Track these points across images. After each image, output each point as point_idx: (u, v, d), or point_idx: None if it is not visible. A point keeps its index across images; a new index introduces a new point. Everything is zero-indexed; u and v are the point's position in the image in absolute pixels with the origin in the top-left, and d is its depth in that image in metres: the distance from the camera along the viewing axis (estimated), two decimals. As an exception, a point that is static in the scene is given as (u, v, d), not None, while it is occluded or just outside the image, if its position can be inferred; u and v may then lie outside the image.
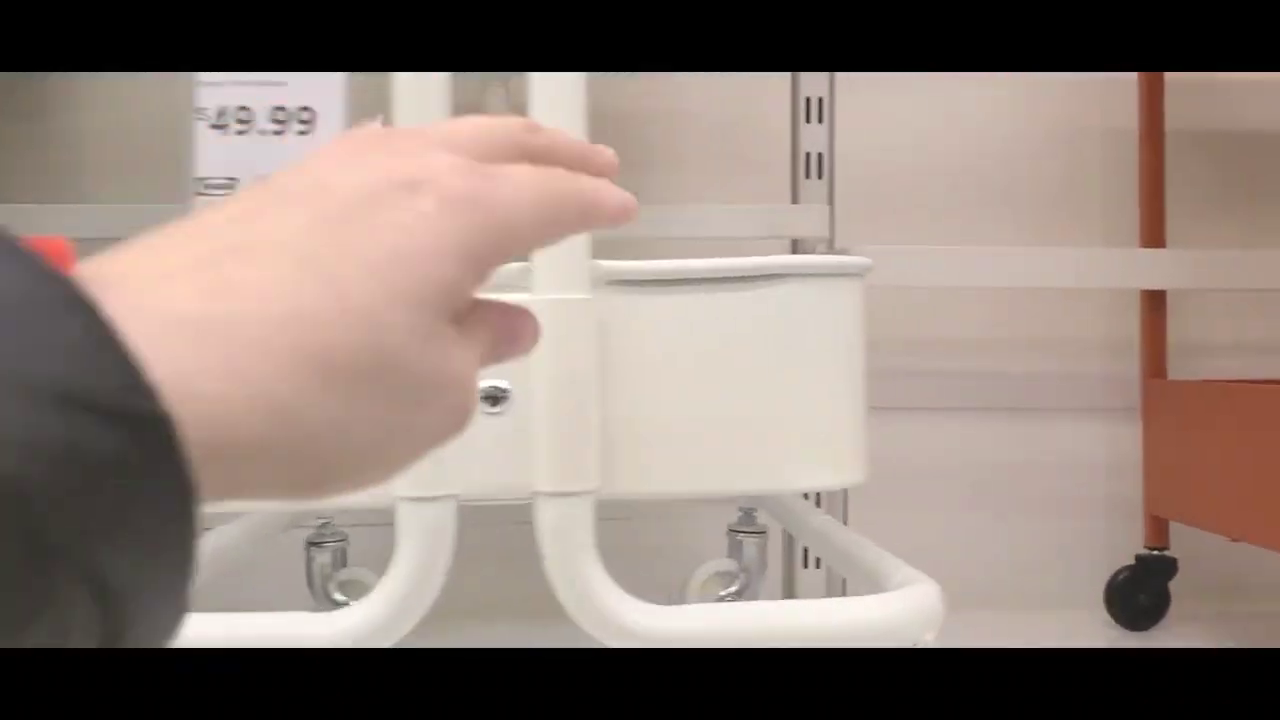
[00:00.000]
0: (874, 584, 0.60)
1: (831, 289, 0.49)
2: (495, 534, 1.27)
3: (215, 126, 0.55)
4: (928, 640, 0.49)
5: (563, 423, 0.48)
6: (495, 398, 0.48)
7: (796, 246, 1.31)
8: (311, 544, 1.09)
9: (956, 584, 1.35)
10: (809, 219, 1.23)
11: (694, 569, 1.15)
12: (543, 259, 0.49)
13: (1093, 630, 1.18)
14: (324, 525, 1.10)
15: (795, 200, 1.30)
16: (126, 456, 0.20)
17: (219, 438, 0.22)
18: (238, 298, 0.24)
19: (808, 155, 1.30)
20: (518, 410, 0.47)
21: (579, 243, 0.50)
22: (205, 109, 0.55)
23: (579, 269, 0.50)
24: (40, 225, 1.14)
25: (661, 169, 1.30)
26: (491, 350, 0.32)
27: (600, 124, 1.26)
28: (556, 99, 0.51)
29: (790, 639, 0.49)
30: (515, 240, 0.30)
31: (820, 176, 1.30)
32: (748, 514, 1.09)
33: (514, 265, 0.51)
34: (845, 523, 1.32)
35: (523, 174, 0.31)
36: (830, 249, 1.28)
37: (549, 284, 0.50)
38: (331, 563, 1.09)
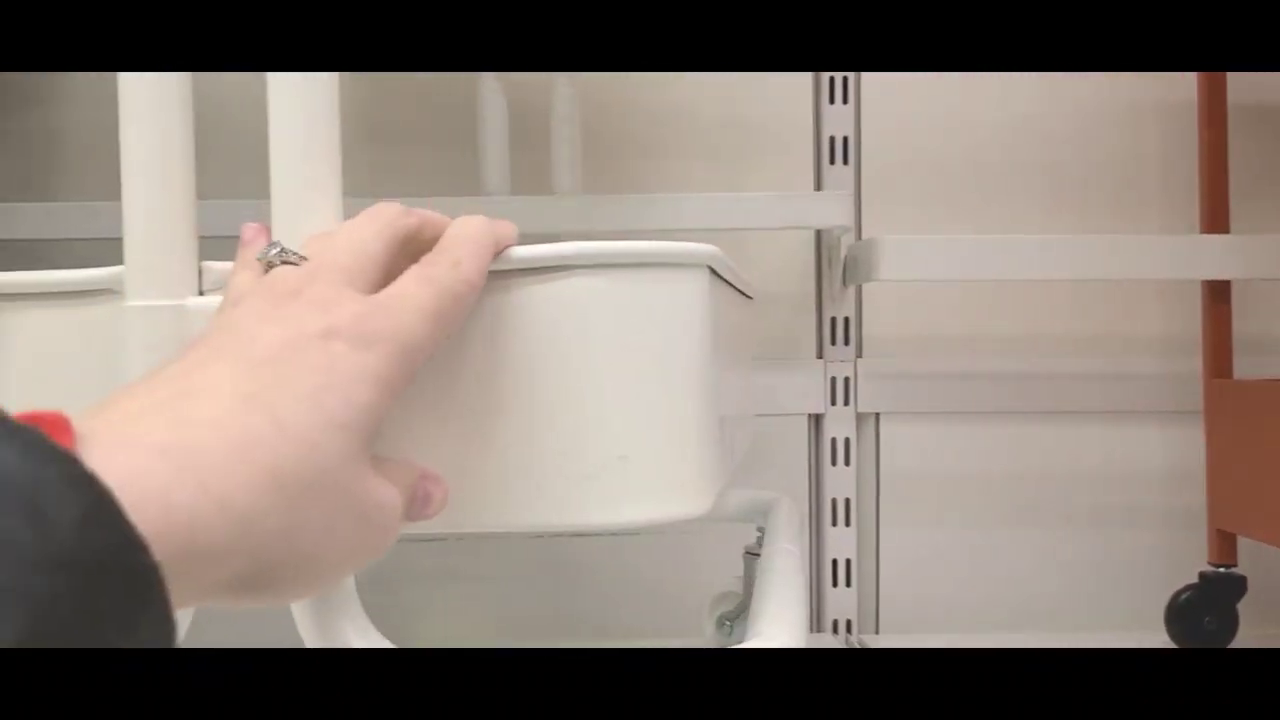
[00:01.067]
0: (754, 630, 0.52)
1: (637, 283, 0.40)
2: (511, 555, 1.19)
3: None
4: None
5: None
6: None
7: (820, 238, 1.22)
8: None
9: (1001, 605, 1.25)
10: (832, 207, 1.12)
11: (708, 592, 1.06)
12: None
13: (1152, 657, 1.07)
14: None
15: (819, 188, 1.21)
16: (125, 600, 0.23)
17: (193, 543, 0.27)
18: (196, 430, 0.29)
19: (831, 139, 1.20)
20: None
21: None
22: None
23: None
24: (11, 225, 1.08)
25: (672, 155, 1.20)
26: (407, 506, 0.36)
27: (600, 107, 1.18)
28: (297, 101, 0.42)
29: None
30: (419, 354, 0.36)
31: (846, 162, 1.20)
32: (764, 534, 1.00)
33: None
34: (877, 540, 1.22)
35: (409, 293, 0.36)
36: (857, 239, 1.18)
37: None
38: None
